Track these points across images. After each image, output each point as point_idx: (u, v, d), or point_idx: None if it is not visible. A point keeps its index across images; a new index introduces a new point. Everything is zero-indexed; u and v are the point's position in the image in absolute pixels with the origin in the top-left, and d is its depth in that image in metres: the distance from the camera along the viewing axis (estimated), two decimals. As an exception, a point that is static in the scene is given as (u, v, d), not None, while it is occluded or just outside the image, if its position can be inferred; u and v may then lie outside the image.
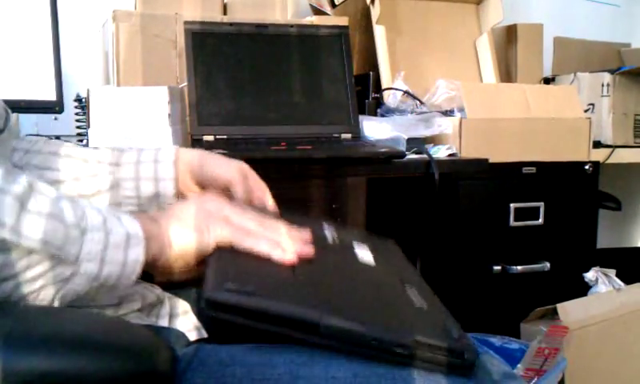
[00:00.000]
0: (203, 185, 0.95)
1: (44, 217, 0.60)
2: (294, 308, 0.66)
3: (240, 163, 0.95)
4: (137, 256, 0.67)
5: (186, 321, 0.77)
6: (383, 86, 1.82)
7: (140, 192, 0.94)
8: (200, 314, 0.66)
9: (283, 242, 0.74)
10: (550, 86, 2.11)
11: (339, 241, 0.90)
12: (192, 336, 0.76)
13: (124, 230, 0.66)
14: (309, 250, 0.76)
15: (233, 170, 0.93)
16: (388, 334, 0.67)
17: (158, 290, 0.76)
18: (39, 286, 0.60)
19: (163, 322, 0.76)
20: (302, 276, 0.75)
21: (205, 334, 0.82)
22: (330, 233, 0.92)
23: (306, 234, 0.79)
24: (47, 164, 0.93)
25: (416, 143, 1.54)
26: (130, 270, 0.66)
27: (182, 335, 0.75)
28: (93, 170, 0.94)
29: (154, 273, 0.74)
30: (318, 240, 0.87)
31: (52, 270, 0.61)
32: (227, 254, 0.75)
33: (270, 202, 0.93)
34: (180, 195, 0.95)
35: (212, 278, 0.67)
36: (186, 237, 0.73)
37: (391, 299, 0.77)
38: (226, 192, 0.91)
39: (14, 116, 0.87)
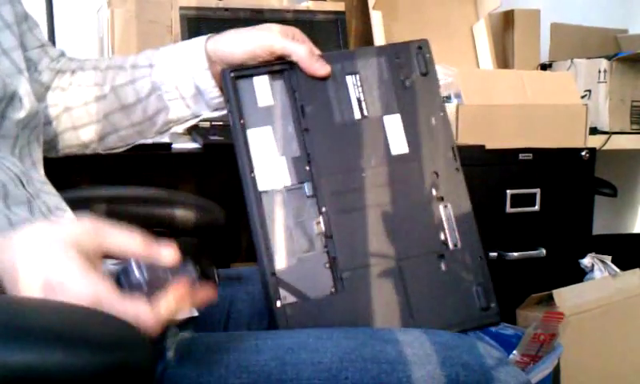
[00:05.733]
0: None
1: None
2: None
3: (264, 32, 0.84)
4: None
5: None
6: (380, 72, 1.81)
7: (182, 93, 0.90)
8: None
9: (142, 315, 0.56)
10: (547, 72, 2.10)
11: (369, 113, 0.85)
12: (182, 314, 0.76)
13: None
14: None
15: (247, 46, 0.84)
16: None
17: None
18: None
19: None
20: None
21: (195, 313, 0.82)
22: (355, 93, 0.86)
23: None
24: (93, 80, 0.92)
25: (412, 129, 1.53)
26: None
27: (171, 325, 0.74)
28: (130, 76, 0.91)
29: None
30: (346, 128, 0.84)
31: None
32: None
33: None
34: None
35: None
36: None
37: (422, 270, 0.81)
38: None
39: None
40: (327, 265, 0.78)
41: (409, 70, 0.88)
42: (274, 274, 0.76)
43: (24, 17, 0.90)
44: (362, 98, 0.85)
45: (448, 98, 1.71)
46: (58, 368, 0.49)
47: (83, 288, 0.55)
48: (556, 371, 1.39)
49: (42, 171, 0.86)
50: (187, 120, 0.94)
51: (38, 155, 0.86)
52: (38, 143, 0.86)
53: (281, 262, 0.77)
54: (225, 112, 0.89)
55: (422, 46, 0.90)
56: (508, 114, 1.69)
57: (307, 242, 0.79)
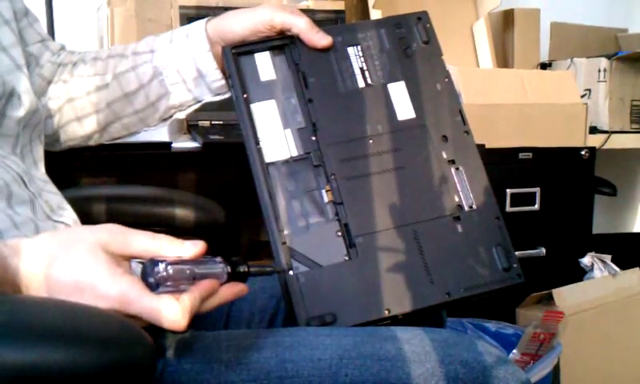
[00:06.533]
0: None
1: None
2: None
3: (264, 8, 0.85)
4: None
5: None
6: (379, 72, 1.81)
7: (183, 76, 0.90)
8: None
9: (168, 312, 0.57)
10: (547, 72, 2.10)
11: (373, 81, 0.86)
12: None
13: None
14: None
15: (248, 21, 0.84)
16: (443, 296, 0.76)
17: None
18: None
19: None
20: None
21: None
22: (357, 63, 0.86)
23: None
24: (95, 70, 0.92)
25: (412, 129, 1.53)
26: None
27: None
28: (131, 63, 0.91)
29: None
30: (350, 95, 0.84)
31: None
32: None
33: None
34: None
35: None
36: None
37: (438, 236, 0.79)
38: None
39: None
40: (339, 232, 0.77)
41: (410, 40, 0.88)
42: (284, 243, 0.75)
43: (24, 12, 0.90)
44: (365, 68, 0.85)
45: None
46: (59, 366, 0.49)
47: (111, 287, 0.56)
48: (556, 370, 1.39)
49: (43, 170, 0.86)
50: (189, 105, 0.94)
51: (40, 154, 0.86)
52: (39, 141, 0.86)
53: (291, 232, 0.76)
54: (226, 96, 0.90)
55: (422, 17, 0.90)
56: (508, 114, 1.69)
57: (317, 210, 0.78)
